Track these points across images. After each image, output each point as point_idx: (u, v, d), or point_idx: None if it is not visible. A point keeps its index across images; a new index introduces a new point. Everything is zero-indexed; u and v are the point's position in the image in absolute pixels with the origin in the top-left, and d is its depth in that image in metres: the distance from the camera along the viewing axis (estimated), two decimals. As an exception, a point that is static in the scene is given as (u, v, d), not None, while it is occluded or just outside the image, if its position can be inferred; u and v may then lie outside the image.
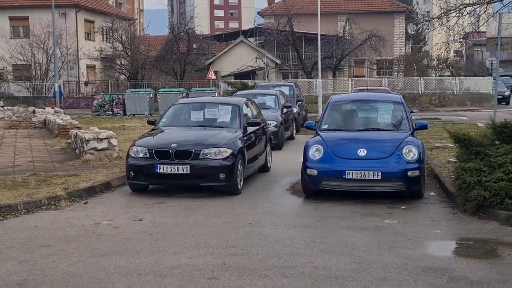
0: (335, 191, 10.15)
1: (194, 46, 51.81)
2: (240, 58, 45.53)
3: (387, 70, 55.41)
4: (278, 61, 47.07)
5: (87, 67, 48.77)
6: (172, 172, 10.15)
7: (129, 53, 43.77)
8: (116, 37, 44.45)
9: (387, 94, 13.55)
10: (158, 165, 10.17)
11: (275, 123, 17.18)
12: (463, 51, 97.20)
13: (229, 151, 10.36)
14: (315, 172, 9.97)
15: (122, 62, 44.67)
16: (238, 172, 10.55)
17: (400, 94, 42.78)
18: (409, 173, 9.69)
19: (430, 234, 7.91)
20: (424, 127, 11.13)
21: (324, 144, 10.19)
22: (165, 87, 38.13)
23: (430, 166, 12.96)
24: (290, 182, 11.82)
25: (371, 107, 11.48)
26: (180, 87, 37.69)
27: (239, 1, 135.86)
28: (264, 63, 44.63)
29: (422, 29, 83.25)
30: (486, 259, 6.80)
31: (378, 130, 10.71)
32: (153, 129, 11.79)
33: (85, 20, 49.28)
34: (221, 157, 10.27)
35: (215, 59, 46.94)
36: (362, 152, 9.86)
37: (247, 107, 12.60)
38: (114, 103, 33.62)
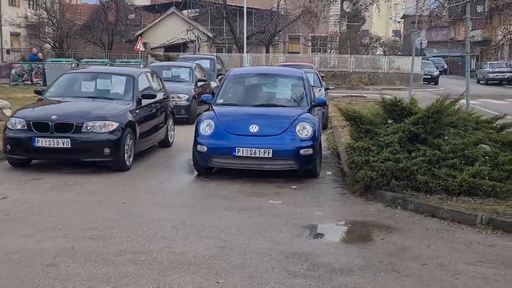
0: (229, 169, 9.68)
1: (131, 17, 50.27)
2: (171, 30, 44.36)
3: (321, 47, 55.40)
4: (210, 35, 46.23)
5: (10, 34, 46.60)
6: (52, 146, 9.42)
7: (54, 21, 41.98)
8: (40, 3, 42.47)
9: (288, 68, 13.05)
10: (36, 138, 9.43)
11: (187, 96, 16.59)
12: (401, 31, 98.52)
13: (116, 125, 9.71)
14: (204, 148, 9.45)
15: (47, 30, 42.83)
16: (126, 147, 9.93)
17: (333, 71, 43.18)
18: (302, 151, 9.30)
19: (310, 216, 7.53)
20: (322, 103, 10.75)
21: (216, 119, 9.67)
22: (91, 58, 36.76)
23: (336, 144, 12.68)
24: (188, 159, 11.25)
25: (270, 81, 11.02)
26: (106, 58, 36.44)
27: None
28: (195, 36, 43.67)
29: (360, 8, 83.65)
30: (358, 243, 6.46)
31: (275, 106, 10.23)
32: (39, 99, 11.01)
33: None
34: (106, 131, 9.61)
35: (145, 30, 45.71)
36: (254, 129, 9.39)
37: (147, 79, 11.92)
38: (34, 73, 32.17)
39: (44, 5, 42.00)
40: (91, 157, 9.63)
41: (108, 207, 7.62)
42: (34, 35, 44.13)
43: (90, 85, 11.16)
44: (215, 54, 31.99)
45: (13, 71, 32.49)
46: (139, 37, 40.52)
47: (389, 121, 8.72)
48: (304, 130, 9.45)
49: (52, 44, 42.72)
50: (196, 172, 9.96)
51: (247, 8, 45.13)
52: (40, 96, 11.10)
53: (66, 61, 32.50)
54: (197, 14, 51.11)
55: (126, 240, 6.28)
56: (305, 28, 46.60)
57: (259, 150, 9.19)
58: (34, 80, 31.94)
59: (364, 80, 41.66)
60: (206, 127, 9.62)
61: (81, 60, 33.05)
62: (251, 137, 9.34)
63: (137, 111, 10.64)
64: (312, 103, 10.41)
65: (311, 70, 18.53)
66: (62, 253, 5.79)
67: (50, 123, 9.43)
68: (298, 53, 52.57)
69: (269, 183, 9.30)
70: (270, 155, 9.21)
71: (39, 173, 9.55)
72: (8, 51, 42.43)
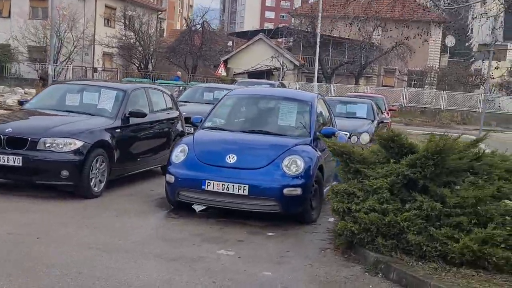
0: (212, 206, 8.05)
1: (230, 43, 50.02)
2: (257, 56, 43.34)
3: (417, 82, 52.50)
4: (297, 63, 44.74)
5: (103, 54, 47.33)
6: (2, 163, 8.18)
7: (141, 43, 42.11)
8: (128, 24, 42.72)
9: (297, 91, 11.19)
10: (-14, 154, 8.24)
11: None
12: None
13: (80, 144, 8.35)
14: (172, 178, 7.89)
15: (133, 52, 43.05)
16: (96, 171, 8.57)
17: (423, 108, 40.44)
18: (286, 191, 7.52)
19: (252, 277, 5.73)
20: (331, 134, 8.84)
21: (191, 145, 8.10)
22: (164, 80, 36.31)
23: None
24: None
25: (270, 105, 9.30)
26: (181, 81, 35.86)
27: (291, 4, 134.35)
28: (280, 64, 42.39)
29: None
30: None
31: (268, 133, 8.51)
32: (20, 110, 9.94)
33: (106, 6, 47.81)
34: (67, 150, 8.27)
35: (232, 55, 44.99)
36: (231, 159, 7.73)
37: (146, 96, 10.56)
38: (108, 92, 31.96)
39: (132, 27, 42.26)
40: (45, 179, 8.28)
41: (9, 244, 6.19)
42: (121, 55, 44.50)
43: (75, 98, 9.93)
44: (279, 81, 30.51)
45: (89, 88, 32.48)
46: (221, 62, 39.78)
47: (392, 161, 6.76)
48: (293, 165, 7.68)
49: (137, 65, 42.87)
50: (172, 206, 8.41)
51: (338, 38, 43.54)
52: (21, 107, 10.02)
53: (140, 81, 32.07)
54: (291, 43, 50.01)
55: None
56: (396, 61, 44.18)
57: (233, 186, 7.51)
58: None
59: (456, 118, 38.65)
60: (180, 154, 8.07)
61: (155, 81, 32.58)
62: (225, 169, 7.68)
63: (118, 130, 9.27)
64: (318, 133, 8.59)
65: (365, 101, 16.64)
66: None
67: (2, 137, 8.21)
68: (393, 86, 50.20)
69: (244, 227, 7.58)
70: (246, 193, 7.50)
71: (-13, 194, 8.34)
72: (95, 70, 42.97)
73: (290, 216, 7.90)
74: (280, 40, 49.68)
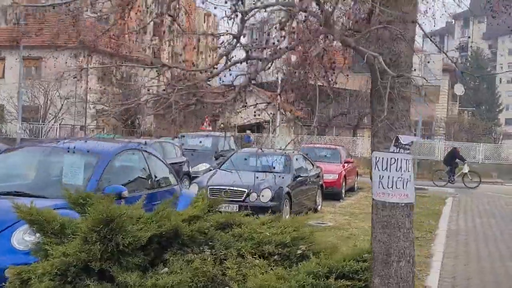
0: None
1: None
2: (250, 108, 41.71)
3: (425, 133, 50.19)
4: (289, 115, 43.04)
5: (97, 112, 46.31)
6: None
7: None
8: (110, 78, 41.61)
9: (94, 143, 9.35)
10: None
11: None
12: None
13: None
14: None
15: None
16: None
17: (418, 158, 38.25)
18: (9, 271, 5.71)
19: None
20: (116, 194, 6.99)
21: None
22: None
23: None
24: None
25: (53, 159, 7.60)
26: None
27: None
28: (270, 115, 40.69)
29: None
30: None
31: (28, 195, 6.73)
32: None
33: (100, 63, 47.00)
34: None
35: (223, 109, 43.56)
36: None
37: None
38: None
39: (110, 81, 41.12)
40: None
41: None
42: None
43: None
44: (228, 133, 28.86)
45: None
46: (206, 116, 38.30)
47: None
48: (31, 237, 5.90)
49: (122, 122, 41.57)
50: None
51: (334, 88, 41.85)
52: None
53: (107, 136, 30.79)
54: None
55: None
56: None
57: None
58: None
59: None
60: None
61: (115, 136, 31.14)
62: None
63: None
64: (101, 193, 6.79)
65: (285, 152, 14.90)
66: None
67: None
68: (398, 138, 48.25)
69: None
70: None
71: None
72: (81, 128, 42.11)
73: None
74: (276, 92, 48.28)
